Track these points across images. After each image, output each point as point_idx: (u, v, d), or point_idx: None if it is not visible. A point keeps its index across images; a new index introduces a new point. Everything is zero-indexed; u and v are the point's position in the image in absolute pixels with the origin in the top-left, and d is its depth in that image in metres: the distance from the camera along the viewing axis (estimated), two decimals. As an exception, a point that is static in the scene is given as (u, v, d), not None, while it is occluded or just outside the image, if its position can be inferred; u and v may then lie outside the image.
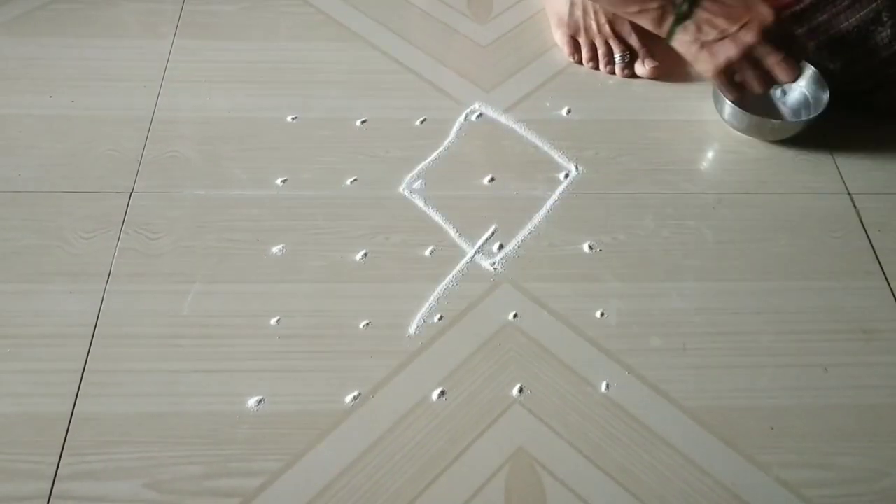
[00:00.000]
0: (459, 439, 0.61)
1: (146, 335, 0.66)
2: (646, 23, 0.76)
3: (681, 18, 0.74)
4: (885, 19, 0.79)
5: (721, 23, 0.73)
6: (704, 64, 0.76)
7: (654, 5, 0.74)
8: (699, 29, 0.74)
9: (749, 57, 0.73)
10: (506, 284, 0.70)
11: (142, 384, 0.63)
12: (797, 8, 0.82)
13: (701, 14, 0.73)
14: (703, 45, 0.74)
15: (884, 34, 0.79)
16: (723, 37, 0.73)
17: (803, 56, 0.78)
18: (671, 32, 0.75)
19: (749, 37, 0.72)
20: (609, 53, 0.88)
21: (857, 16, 0.79)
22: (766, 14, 0.73)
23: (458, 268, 0.71)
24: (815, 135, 0.81)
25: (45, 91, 0.84)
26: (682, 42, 0.75)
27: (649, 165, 0.80)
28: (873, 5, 0.79)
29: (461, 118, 0.83)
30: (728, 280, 0.71)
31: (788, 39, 0.75)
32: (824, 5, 0.81)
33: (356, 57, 0.89)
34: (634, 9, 0.75)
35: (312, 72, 0.87)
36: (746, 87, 0.77)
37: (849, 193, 0.78)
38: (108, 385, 0.63)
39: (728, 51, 0.73)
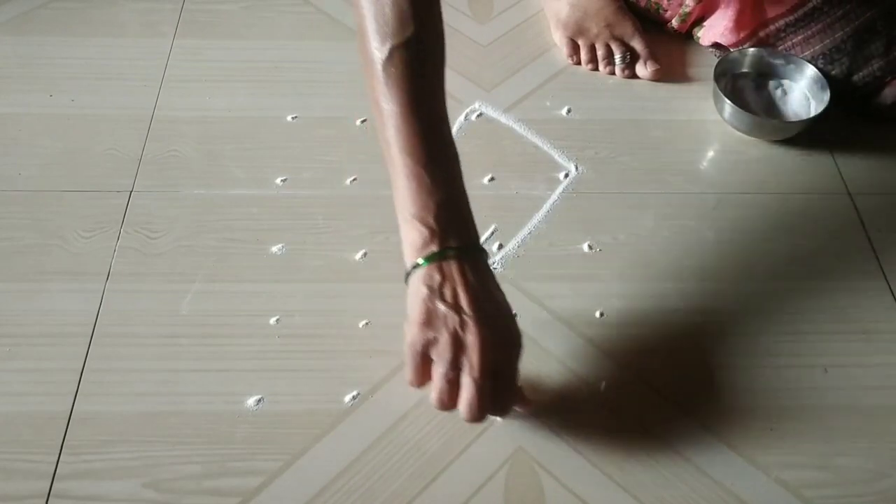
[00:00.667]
0: (459, 439, 0.61)
1: (145, 334, 0.66)
2: (407, 237, 0.57)
3: (435, 257, 0.55)
4: (879, 28, 0.79)
5: (464, 298, 0.54)
6: (411, 321, 0.55)
7: (422, 229, 0.55)
8: (443, 282, 0.55)
9: (454, 352, 0.54)
10: (505, 284, 0.69)
11: (141, 383, 0.63)
12: (792, 17, 0.82)
13: (454, 269, 0.55)
14: (427, 301, 0.54)
15: (878, 43, 0.79)
16: (454, 313, 0.54)
17: (508, 405, 0.59)
18: (416, 265, 0.56)
19: (472, 337, 0.54)
20: (608, 55, 0.88)
21: (852, 25, 0.80)
22: (508, 341, 0.57)
23: (457, 267, 0.71)
24: (815, 135, 0.81)
25: (45, 90, 0.84)
26: (416, 283, 0.55)
27: (649, 165, 0.80)
28: (867, 15, 0.79)
29: (461, 117, 0.83)
30: (728, 280, 0.71)
31: (510, 374, 0.57)
32: (819, 15, 0.81)
33: (356, 56, 0.88)
34: (408, 213, 0.56)
35: (312, 71, 0.87)
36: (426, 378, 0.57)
37: (849, 194, 0.78)
38: (107, 384, 0.63)
39: (442, 328, 0.54)
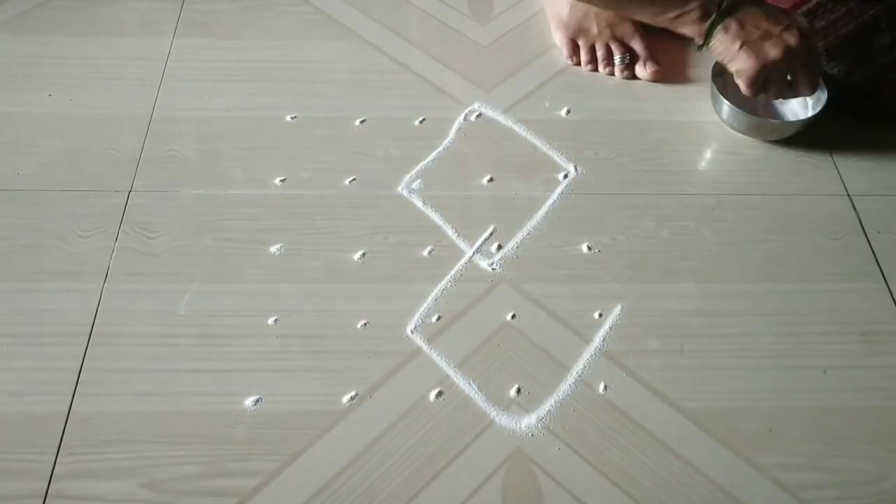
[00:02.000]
0: (457, 440, 0.61)
1: (143, 334, 0.65)
2: (685, 26, 0.76)
3: (723, 16, 0.74)
4: (883, 26, 0.79)
5: (764, 23, 0.74)
6: (744, 62, 0.75)
7: (695, 5, 0.74)
8: (742, 26, 0.74)
9: (785, 60, 0.74)
10: (504, 285, 0.70)
11: (139, 383, 0.63)
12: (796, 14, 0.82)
13: (746, 12, 0.74)
14: (745, 43, 0.74)
15: (883, 40, 0.79)
16: (766, 38, 0.73)
17: (821, 71, 0.79)
18: (710, 32, 0.75)
19: (792, 39, 0.73)
20: (608, 56, 0.88)
21: (856, 22, 0.79)
22: (802, 22, 0.74)
23: (456, 268, 0.71)
24: (814, 136, 0.81)
25: (45, 89, 0.84)
26: (721, 41, 0.75)
27: (648, 166, 0.80)
28: (872, 11, 0.79)
29: (460, 118, 0.83)
30: (727, 281, 0.71)
31: (816, 52, 0.76)
32: (823, 11, 0.80)
33: (356, 56, 0.89)
34: (673, 14, 0.75)
35: (311, 71, 0.87)
36: (767, 90, 0.77)
37: (848, 195, 0.78)
38: (104, 384, 0.63)
39: (770, 50, 0.73)
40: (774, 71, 0.75)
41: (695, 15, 0.74)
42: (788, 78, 0.76)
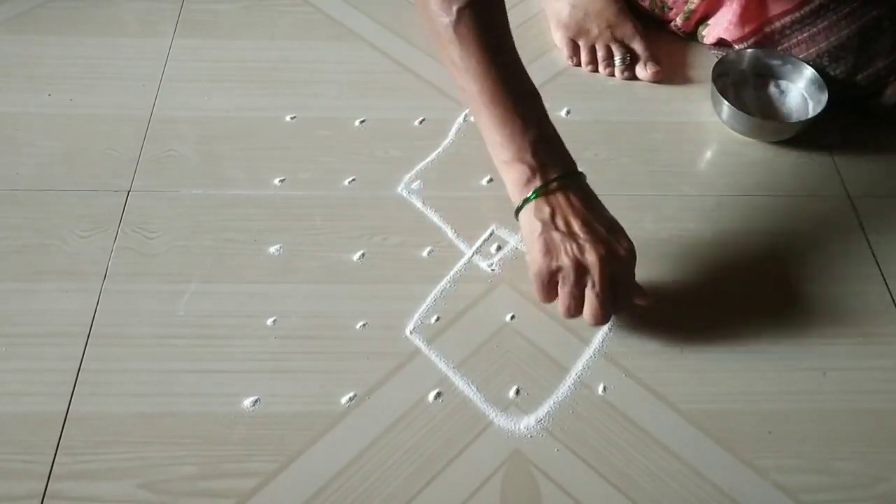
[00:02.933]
0: (456, 441, 0.61)
1: (142, 335, 0.65)
2: (509, 178, 0.63)
3: (542, 190, 0.61)
4: (885, 27, 0.79)
5: (576, 224, 0.61)
6: (532, 256, 0.62)
7: (530, 160, 0.61)
8: (553, 215, 0.61)
9: (575, 275, 0.61)
10: (503, 286, 0.70)
11: (137, 384, 0.63)
12: (798, 14, 0.82)
13: (570, 200, 0.61)
14: (543, 234, 0.61)
15: (884, 42, 0.79)
16: (566, 240, 0.60)
17: (630, 306, 0.65)
18: (525, 200, 0.62)
19: (591, 257, 0.60)
20: (608, 57, 0.88)
21: (858, 23, 0.79)
22: (618, 246, 0.61)
23: (455, 269, 0.71)
24: (814, 137, 0.81)
25: (44, 89, 0.84)
26: (527, 218, 0.62)
27: (649, 167, 0.79)
28: (874, 12, 0.79)
29: (460, 119, 0.83)
30: (726, 283, 0.71)
31: (622, 279, 0.62)
32: (825, 12, 0.80)
33: (355, 56, 0.89)
34: (506, 157, 0.62)
35: (311, 71, 0.87)
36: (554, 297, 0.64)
37: (848, 196, 0.78)
38: (103, 385, 0.63)
39: (562, 257, 0.60)
40: (564, 280, 0.62)
41: (523, 171, 0.62)
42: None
